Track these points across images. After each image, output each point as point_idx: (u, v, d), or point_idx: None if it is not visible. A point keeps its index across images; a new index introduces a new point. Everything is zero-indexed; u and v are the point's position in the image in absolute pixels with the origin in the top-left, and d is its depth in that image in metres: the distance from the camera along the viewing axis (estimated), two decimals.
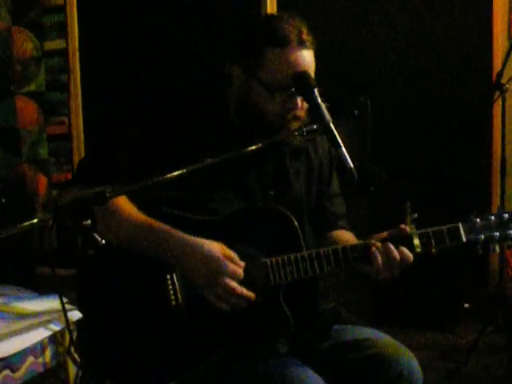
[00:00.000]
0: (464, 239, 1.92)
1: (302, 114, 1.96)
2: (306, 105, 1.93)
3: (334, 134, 1.77)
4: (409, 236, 1.91)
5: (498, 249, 1.94)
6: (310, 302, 2.10)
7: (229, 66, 2.04)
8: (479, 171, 4.35)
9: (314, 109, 1.83)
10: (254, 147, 1.74)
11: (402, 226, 1.92)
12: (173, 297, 1.88)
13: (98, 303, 1.93)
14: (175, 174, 1.61)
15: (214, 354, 1.87)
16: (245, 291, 1.84)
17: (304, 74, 1.88)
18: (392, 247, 1.89)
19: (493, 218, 1.95)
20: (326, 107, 1.82)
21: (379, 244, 1.90)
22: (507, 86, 3.43)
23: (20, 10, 5.01)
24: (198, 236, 1.87)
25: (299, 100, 1.94)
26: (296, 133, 1.85)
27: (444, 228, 1.92)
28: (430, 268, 3.90)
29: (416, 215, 1.92)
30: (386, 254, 1.88)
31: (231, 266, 1.83)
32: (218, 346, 1.88)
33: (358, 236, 2.14)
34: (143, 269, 1.90)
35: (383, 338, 2.03)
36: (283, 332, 1.90)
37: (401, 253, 1.89)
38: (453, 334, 4.02)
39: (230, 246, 1.87)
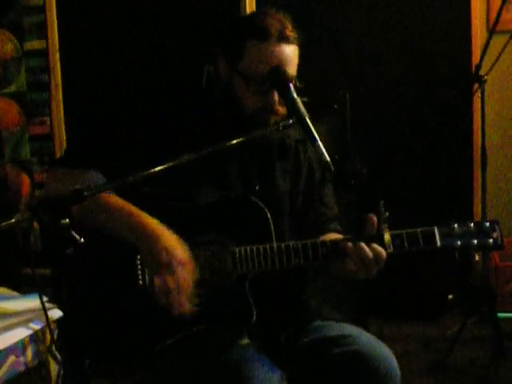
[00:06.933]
0: (438, 244, 1.91)
1: (279, 108, 1.96)
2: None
3: (310, 129, 1.77)
4: (379, 235, 1.92)
5: (477, 257, 1.89)
6: (282, 295, 2.10)
7: (216, 58, 2.05)
8: (460, 162, 4.36)
9: (289, 103, 1.83)
10: (234, 141, 1.71)
11: (371, 216, 1.92)
12: (140, 276, 1.91)
13: (74, 292, 1.93)
14: (156, 169, 1.59)
15: (175, 334, 1.89)
16: (182, 295, 1.82)
17: (279, 69, 1.89)
18: (363, 245, 1.89)
19: (472, 225, 1.92)
20: (305, 102, 1.83)
21: (350, 242, 1.91)
22: (486, 77, 3.43)
23: None
24: (172, 222, 1.87)
25: (276, 94, 1.94)
26: (272, 127, 1.85)
27: (418, 230, 1.91)
28: (414, 259, 3.92)
29: (387, 214, 1.90)
30: (358, 251, 1.89)
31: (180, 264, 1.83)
32: (180, 327, 1.89)
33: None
34: (118, 250, 1.92)
35: (363, 335, 2.03)
36: (245, 320, 1.91)
37: (373, 250, 1.89)
38: (437, 324, 4.04)
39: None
